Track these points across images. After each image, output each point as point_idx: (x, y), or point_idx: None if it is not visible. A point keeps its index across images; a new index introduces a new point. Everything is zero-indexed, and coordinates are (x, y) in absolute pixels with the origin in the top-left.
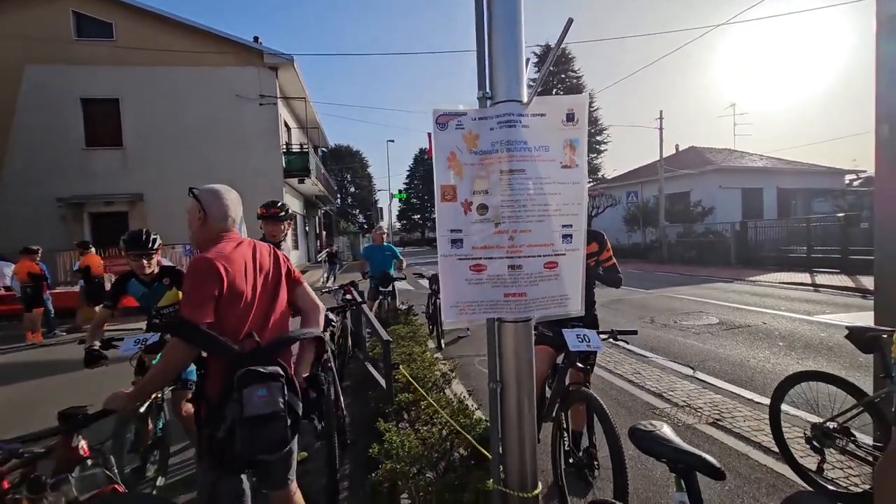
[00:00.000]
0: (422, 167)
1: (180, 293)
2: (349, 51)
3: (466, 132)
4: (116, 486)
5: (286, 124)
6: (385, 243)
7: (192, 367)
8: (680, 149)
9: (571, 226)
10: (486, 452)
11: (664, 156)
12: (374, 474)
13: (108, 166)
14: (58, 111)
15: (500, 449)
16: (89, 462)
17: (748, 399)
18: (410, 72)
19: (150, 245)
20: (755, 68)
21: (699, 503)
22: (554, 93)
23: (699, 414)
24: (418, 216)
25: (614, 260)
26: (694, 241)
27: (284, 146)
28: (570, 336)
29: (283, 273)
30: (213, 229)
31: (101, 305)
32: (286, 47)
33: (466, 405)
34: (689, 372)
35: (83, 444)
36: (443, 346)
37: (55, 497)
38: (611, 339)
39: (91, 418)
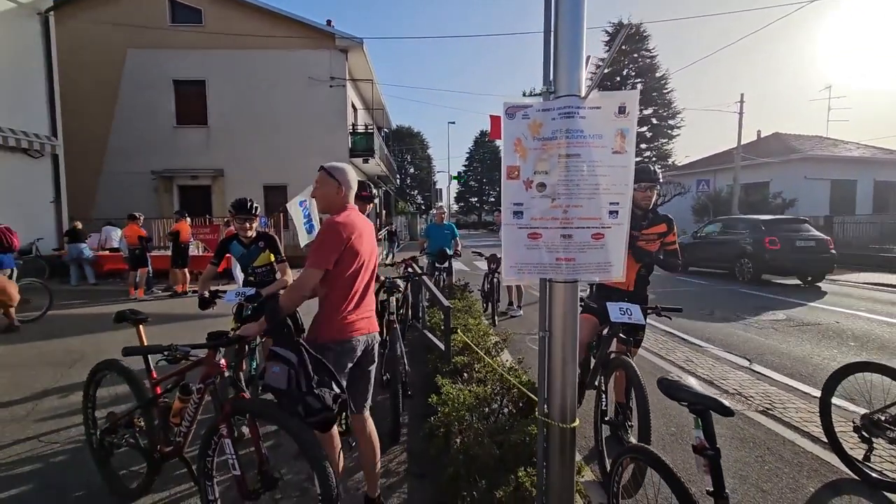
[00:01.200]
0: (481, 150)
1: (272, 255)
2: (416, 34)
3: (531, 121)
4: (243, 393)
5: (353, 105)
6: (445, 222)
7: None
8: (762, 135)
9: (618, 203)
10: (533, 396)
11: (743, 142)
12: (432, 418)
13: (194, 143)
14: (153, 92)
15: (546, 388)
16: (226, 374)
17: (804, 392)
18: (475, 56)
19: (253, 211)
20: (858, 45)
21: (712, 438)
22: (625, 73)
23: (749, 402)
24: (475, 199)
25: (677, 245)
26: None
27: (351, 127)
28: (613, 308)
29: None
30: (344, 199)
31: (209, 263)
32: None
33: (516, 369)
34: (745, 363)
35: (222, 360)
36: (496, 322)
37: (199, 398)
38: (655, 314)
39: (232, 340)
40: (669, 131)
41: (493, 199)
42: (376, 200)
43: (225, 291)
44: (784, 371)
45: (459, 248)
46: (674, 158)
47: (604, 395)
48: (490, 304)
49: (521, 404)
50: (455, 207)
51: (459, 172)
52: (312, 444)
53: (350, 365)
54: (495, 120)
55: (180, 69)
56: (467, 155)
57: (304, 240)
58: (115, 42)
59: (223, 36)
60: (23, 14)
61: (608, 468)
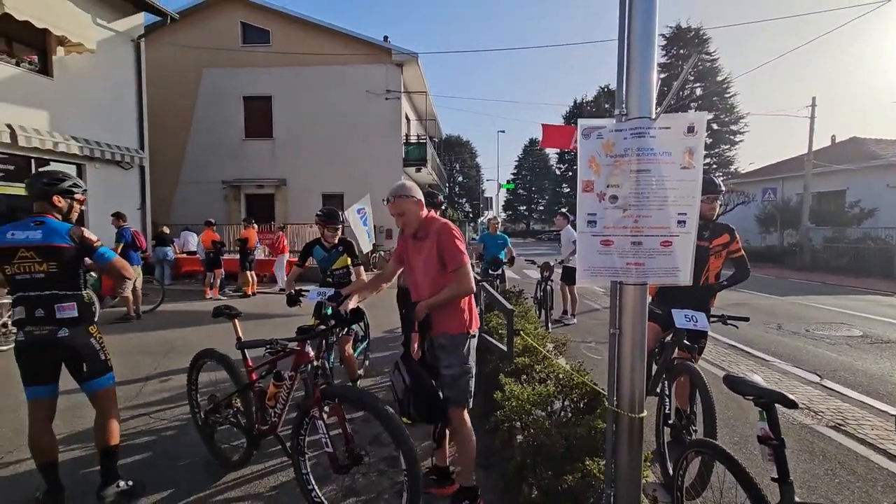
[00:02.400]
0: (530, 158)
1: (349, 259)
2: (469, 46)
3: (605, 141)
4: (329, 381)
5: (406, 116)
6: (498, 232)
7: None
8: (836, 140)
9: (686, 214)
10: (601, 391)
11: (815, 148)
12: (497, 413)
13: (260, 154)
14: (225, 107)
15: (616, 381)
16: (315, 363)
17: (881, 410)
18: (526, 67)
19: (340, 221)
20: None
21: (776, 429)
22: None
23: (819, 417)
24: (524, 207)
25: (743, 252)
26: (847, 246)
27: (404, 137)
28: (678, 315)
29: None
30: (424, 212)
31: (295, 265)
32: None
33: (578, 371)
34: (816, 379)
35: (311, 351)
36: (549, 329)
37: (291, 384)
38: (720, 322)
39: (321, 333)
40: (732, 137)
41: (541, 208)
42: (443, 208)
43: (308, 291)
44: (859, 388)
45: (514, 254)
46: (736, 165)
47: (667, 399)
48: (544, 311)
49: (581, 405)
50: (503, 216)
51: (509, 180)
52: (399, 428)
53: None
54: (547, 129)
55: (249, 86)
56: (516, 163)
57: (366, 246)
58: (194, 63)
59: (289, 54)
60: (119, 41)
61: (671, 471)
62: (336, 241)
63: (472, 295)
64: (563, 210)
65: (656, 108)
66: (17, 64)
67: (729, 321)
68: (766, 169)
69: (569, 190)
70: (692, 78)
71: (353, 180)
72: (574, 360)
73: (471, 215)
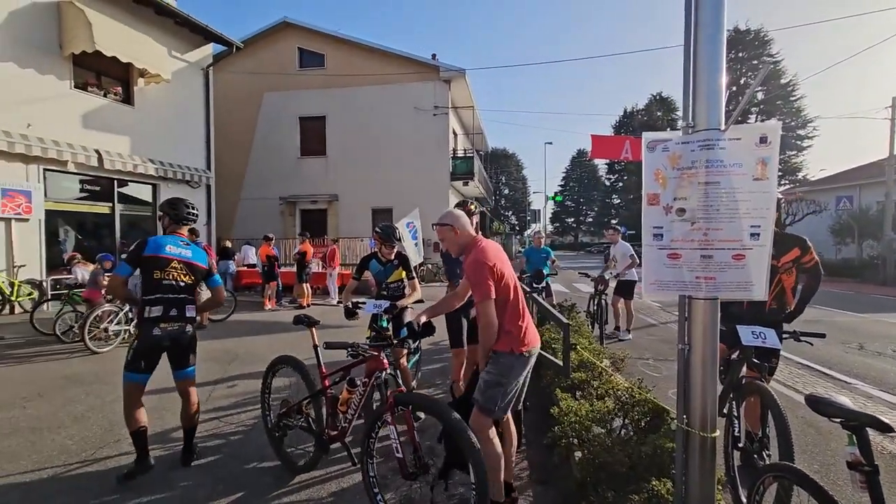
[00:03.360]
0: (578, 169)
1: (404, 272)
2: (515, 61)
3: (671, 154)
4: (401, 388)
5: (454, 131)
6: (543, 246)
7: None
8: None
9: (759, 226)
10: (668, 408)
11: None
12: (555, 428)
13: (314, 172)
14: (282, 128)
15: (684, 398)
16: (388, 371)
17: None
18: (571, 77)
19: (397, 237)
20: None
21: (869, 455)
22: (742, 81)
23: None
24: (572, 219)
25: (816, 259)
26: None
27: (451, 152)
28: (745, 332)
29: (507, 260)
30: (465, 234)
31: (351, 278)
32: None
33: (639, 388)
34: None
35: (385, 358)
36: (604, 344)
37: (364, 390)
38: (793, 339)
39: (393, 344)
40: (799, 142)
41: (590, 220)
42: (475, 217)
43: (364, 303)
44: None
45: (557, 265)
46: (805, 172)
47: (736, 421)
48: (598, 326)
49: (643, 423)
50: (550, 228)
51: (556, 193)
52: (468, 437)
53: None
54: (596, 139)
55: (305, 107)
56: (563, 174)
57: (414, 259)
58: (255, 88)
59: (342, 76)
60: (191, 71)
61: (743, 498)
62: (392, 256)
63: (525, 313)
64: (615, 223)
65: (725, 119)
66: (105, 95)
67: (803, 338)
68: (841, 175)
69: (619, 201)
70: (752, 82)
71: (402, 195)
72: (631, 376)
73: (517, 228)
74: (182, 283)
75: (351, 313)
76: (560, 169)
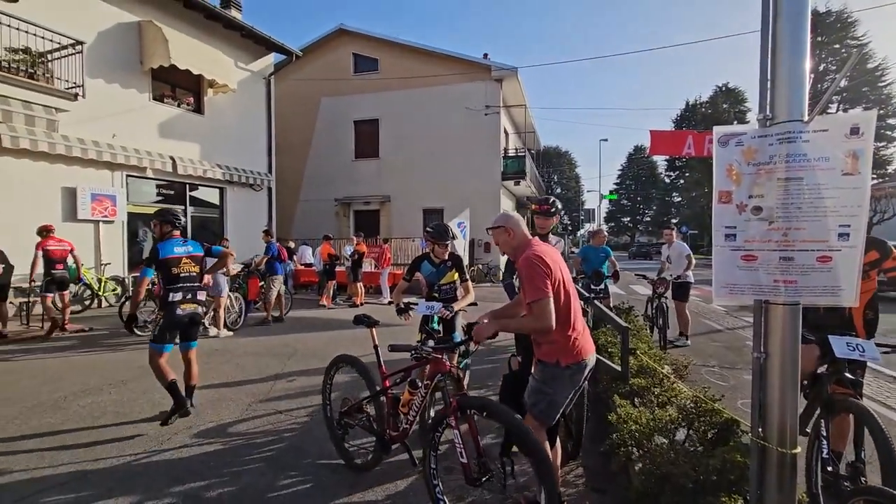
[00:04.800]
0: (635, 166)
1: (457, 274)
2: (568, 57)
3: (745, 147)
4: (465, 392)
5: (505, 130)
6: (602, 246)
7: (458, 332)
8: None
9: (849, 226)
10: (736, 418)
11: None
12: (614, 436)
13: (367, 173)
14: (338, 131)
15: (759, 409)
16: (453, 373)
17: None
18: (627, 71)
19: (449, 237)
20: None
21: None
22: (822, 68)
23: None
24: (628, 218)
25: None
26: None
27: (503, 151)
28: (839, 343)
29: (563, 263)
30: (520, 237)
31: (402, 279)
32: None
33: (705, 398)
34: None
35: (447, 360)
36: (665, 349)
37: (426, 392)
38: (892, 350)
39: (457, 344)
40: (889, 132)
41: (648, 219)
42: (558, 216)
43: (416, 304)
44: None
45: (617, 268)
46: None
47: (824, 440)
48: (658, 331)
49: (710, 435)
50: (605, 227)
51: (611, 191)
52: (536, 444)
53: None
54: (655, 135)
55: (359, 111)
56: (619, 172)
57: (466, 259)
58: (313, 93)
59: (395, 79)
60: (254, 80)
61: None
62: (445, 256)
63: (578, 322)
64: (675, 222)
65: (808, 108)
66: (178, 105)
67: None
68: None
69: (680, 199)
70: (834, 68)
71: (453, 195)
72: (695, 385)
73: (569, 228)
74: (193, 273)
75: (402, 311)
76: (615, 166)
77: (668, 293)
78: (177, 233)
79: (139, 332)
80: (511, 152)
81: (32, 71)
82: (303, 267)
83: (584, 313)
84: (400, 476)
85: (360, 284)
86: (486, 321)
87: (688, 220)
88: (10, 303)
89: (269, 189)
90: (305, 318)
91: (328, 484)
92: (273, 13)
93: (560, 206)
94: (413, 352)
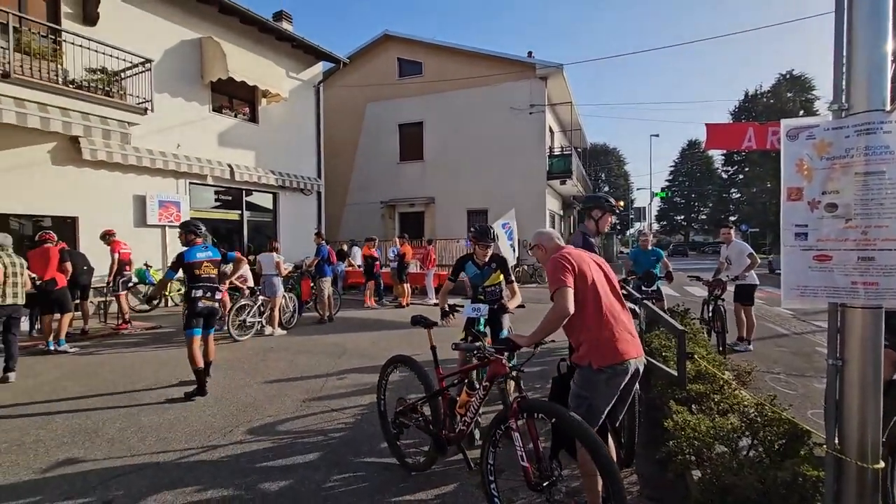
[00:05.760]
0: (688, 162)
1: (501, 276)
2: (616, 50)
3: (817, 141)
4: (526, 395)
5: (550, 129)
6: (651, 248)
7: (506, 332)
8: None
9: None
10: (808, 428)
11: None
12: (670, 443)
13: (412, 176)
14: (383, 135)
15: (836, 420)
16: (513, 375)
17: None
18: (680, 63)
19: (491, 238)
20: None
21: None
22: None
23: None
24: (681, 217)
25: None
26: None
27: (548, 150)
28: None
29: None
30: (552, 250)
31: (447, 279)
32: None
33: (772, 406)
34: None
35: (506, 362)
36: (725, 354)
37: (485, 394)
38: None
39: (511, 348)
40: None
41: (703, 217)
42: (614, 216)
43: (462, 306)
44: None
45: (671, 269)
46: None
47: None
48: (716, 334)
49: (777, 446)
50: (656, 226)
51: (662, 188)
52: (603, 450)
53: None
54: (712, 129)
55: (404, 114)
56: (671, 168)
57: (510, 259)
58: (359, 99)
59: (439, 82)
60: (304, 88)
61: None
62: (488, 258)
63: (614, 323)
64: (733, 220)
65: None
66: (235, 115)
67: None
68: None
69: (739, 195)
70: None
71: (497, 195)
72: (758, 392)
73: (618, 227)
74: (212, 275)
75: (446, 314)
76: (667, 163)
77: (725, 295)
78: (199, 240)
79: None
80: (556, 151)
81: (108, 89)
82: (352, 268)
83: (636, 315)
84: (452, 478)
85: (406, 285)
86: (524, 343)
87: (748, 218)
88: (91, 302)
89: (319, 193)
90: (353, 318)
91: (380, 482)
92: (320, 21)
93: (614, 205)
94: (476, 351)
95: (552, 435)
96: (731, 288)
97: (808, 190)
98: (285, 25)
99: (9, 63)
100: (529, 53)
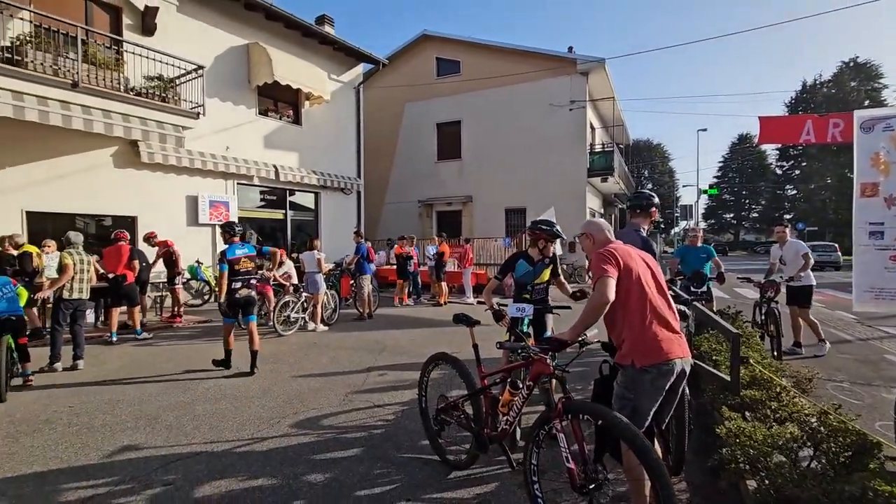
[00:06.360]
0: (739, 157)
1: (548, 273)
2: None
3: None
4: (570, 396)
5: (591, 125)
6: (700, 245)
7: (549, 332)
8: None
9: None
10: (881, 440)
11: None
12: (722, 450)
13: (450, 174)
14: (421, 135)
15: None
16: (558, 374)
17: None
18: (728, 54)
19: (558, 234)
20: None
21: None
22: None
23: None
24: (731, 215)
25: None
26: None
27: (589, 147)
28: None
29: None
30: (600, 242)
31: (493, 278)
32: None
33: (832, 413)
34: None
35: (550, 362)
36: (781, 359)
37: (528, 393)
38: None
39: (555, 347)
40: None
41: (755, 215)
42: (655, 213)
43: (506, 305)
44: None
45: (722, 268)
46: None
47: None
48: (770, 339)
49: (842, 458)
50: (703, 225)
51: (711, 185)
52: (652, 453)
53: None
54: (766, 122)
55: (442, 113)
56: (720, 164)
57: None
58: (397, 99)
59: (476, 80)
60: (345, 90)
61: None
62: (551, 253)
63: (659, 321)
64: (788, 218)
65: None
66: (280, 118)
67: None
68: None
69: (795, 192)
70: None
71: (536, 194)
72: (819, 401)
73: (662, 226)
74: (249, 269)
75: (500, 317)
76: (714, 159)
77: (779, 297)
78: (236, 239)
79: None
80: (597, 148)
81: (165, 95)
82: (387, 266)
83: (684, 317)
84: (492, 477)
85: (443, 284)
86: (567, 337)
87: (804, 216)
88: (148, 296)
89: (359, 193)
90: (391, 315)
91: (422, 477)
92: (358, 22)
93: (657, 201)
94: (521, 350)
95: (596, 437)
96: (785, 290)
97: (884, 185)
98: (327, 29)
99: (77, 73)
100: (570, 49)
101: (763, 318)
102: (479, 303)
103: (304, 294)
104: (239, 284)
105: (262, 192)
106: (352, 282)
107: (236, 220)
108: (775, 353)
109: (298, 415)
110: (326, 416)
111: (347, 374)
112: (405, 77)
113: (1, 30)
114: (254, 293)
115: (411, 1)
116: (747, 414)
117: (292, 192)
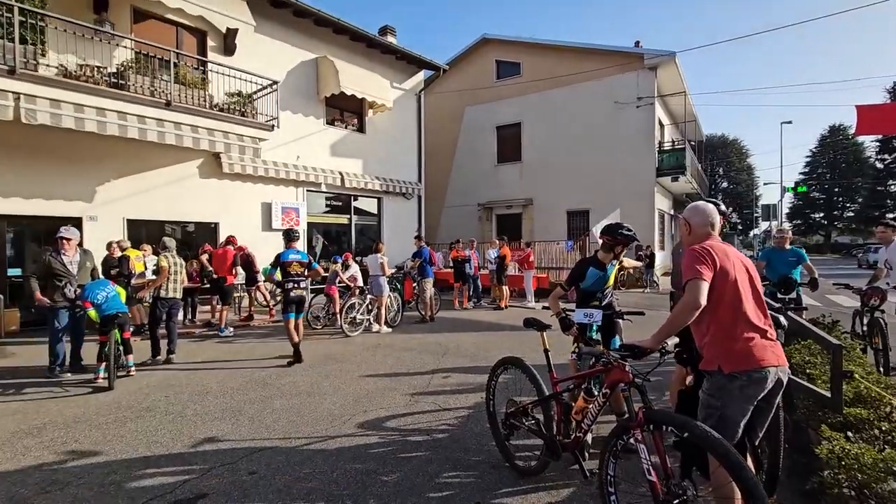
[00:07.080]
0: (831, 151)
1: (616, 273)
2: (739, 32)
3: None
4: (651, 405)
5: (660, 122)
6: (789, 247)
7: (618, 339)
8: None
9: None
10: None
11: None
12: (825, 473)
13: (509, 177)
14: (481, 138)
15: None
16: (638, 382)
17: None
18: (815, 40)
19: (635, 238)
20: None
21: None
22: None
23: None
24: (821, 214)
25: None
26: None
27: (658, 145)
28: None
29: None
30: (697, 235)
31: (559, 286)
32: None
33: None
34: None
35: (629, 369)
36: (888, 374)
37: (604, 401)
38: None
39: (637, 354)
40: None
41: (850, 215)
42: (719, 217)
43: (572, 311)
44: None
45: (816, 274)
46: None
47: None
48: (874, 352)
49: None
50: (788, 225)
51: (798, 182)
52: (746, 471)
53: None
54: (863, 111)
55: (501, 116)
56: (807, 160)
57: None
58: (457, 104)
59: (537, 81)
60: (407, 97)
61: None
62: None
63: (750, 325)
64: (893, 217)
65: None
66: (346, 127)
67: None
68: None
69: None
70: None
71: (600, 195)
72: None
73: (739, 227)
74: (299, 272)
75: (568, 326)
76: (800, 154)
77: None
78: (293, 244)
79: (313, 325)
80: (667, 145)
81: (244, 110)
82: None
83: (779, 325)
84: (564, 485)
85: (504, 287)
86: (648, 344)
87: None
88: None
89: (419, 197)
90: (452, 318)
91: (491, 480)
92: (417, 29)
93: (723, 209)
94: (601, 357)
95: (681, 451)
96: (892, 298)
97: None
98: (390, 38)
99: (170, 93)
100: (637, 43)
101: (865, 328)
102: (543, 308)
103: (368, 296)
104: (291, 284)
105: (328, 199)
106: (414, 285)
107: (298, 228)
108: (881, 368)
109: (367, 413)
110: (394, 416)
111: (412, 375)
112: (465, 81)
113: (108, 57)
114: (304, 293)
115: (472, 5)
116: (850, 434)
117: (356, 198)
